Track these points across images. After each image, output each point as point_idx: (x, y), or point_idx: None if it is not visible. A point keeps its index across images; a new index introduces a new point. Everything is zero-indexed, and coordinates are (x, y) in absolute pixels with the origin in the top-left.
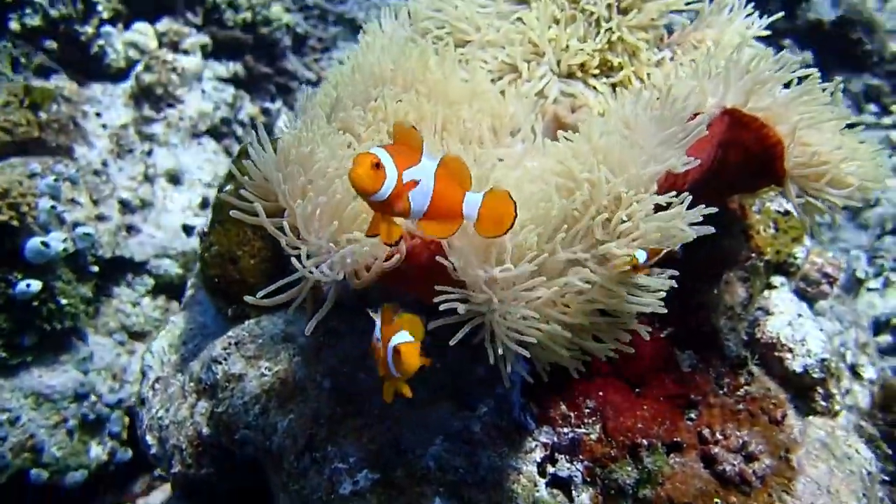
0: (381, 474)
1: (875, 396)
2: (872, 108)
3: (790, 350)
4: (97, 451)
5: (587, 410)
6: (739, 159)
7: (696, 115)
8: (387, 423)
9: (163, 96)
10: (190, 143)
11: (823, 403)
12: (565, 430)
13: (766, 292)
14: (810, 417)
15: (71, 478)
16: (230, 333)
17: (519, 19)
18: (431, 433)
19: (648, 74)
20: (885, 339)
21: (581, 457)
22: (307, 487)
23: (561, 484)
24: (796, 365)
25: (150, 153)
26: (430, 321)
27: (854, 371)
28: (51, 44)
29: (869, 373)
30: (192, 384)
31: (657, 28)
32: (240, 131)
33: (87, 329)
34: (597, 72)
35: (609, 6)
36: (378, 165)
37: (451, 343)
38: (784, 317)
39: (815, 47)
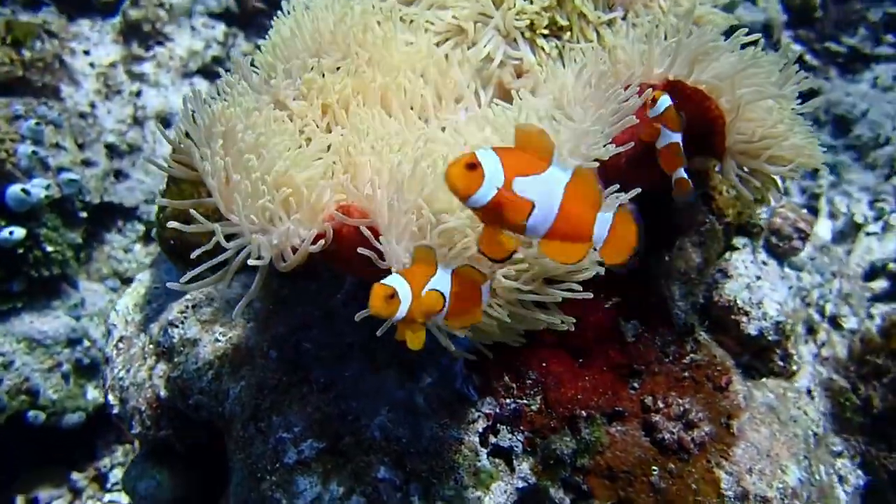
0: (327, 444)
1: (853, 348)
2: (891, 38)
3: (746, 313)
4: (94, 393)
5: (529, 381)
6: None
7: (640, 86)
8: (332, 393)
9: (151, 33)
10: (181, 83)
11: (781, 364)
12: (508, 400)
13: (727, 254)
14: (764, 379)
15: (69, 419)
16: (187, 296)
17: None
18: (377, 403)
19: (598, 33)
20: (880, 284)
21: (522, 427)
22: (252, 456)
23: (502, 454)
24: (751, 328)
25: (139, 94)
26: None
27: (835, 322)
28: None
29: (850, 323)
30: (151, 346)
31: None
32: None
33: (78, 275)
34: (546, 32)
35: None
36: (473, 167)
37: (379, 333)
38: (742, 279)
39: None
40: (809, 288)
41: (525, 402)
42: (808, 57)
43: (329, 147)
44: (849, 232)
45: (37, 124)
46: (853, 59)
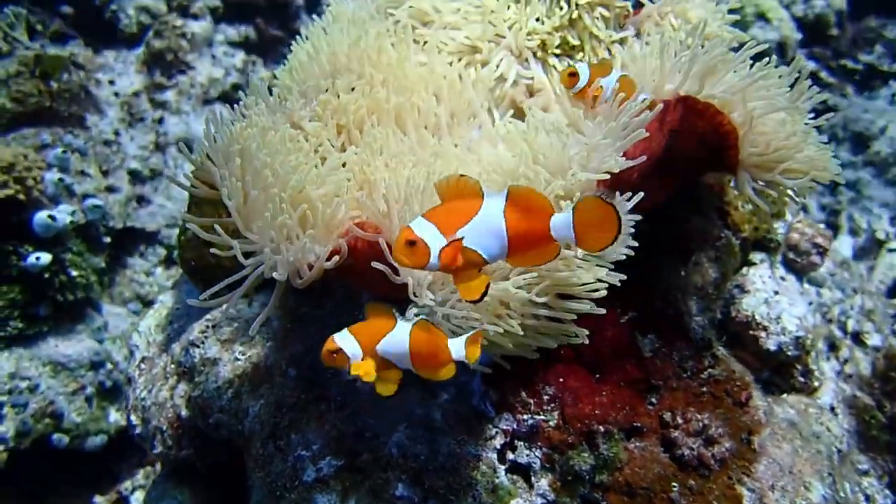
0: (345, 461)
1: (876, 365)
2: None
3: (765, 328)
4: (116, 416)
5: (546, 397)
6: (694, 146)
7: (652, 102)
8: (349, 410)
9: (173, 62)
10: (202, 109)
11: (802, 380)
12: (525, 416)
13: (744, 269)
14: (784, 395)
15: (91, 442)
16: (208, 316)
17: None
18: (395, 420)
19: (609, 52)
20: None
21: (540, 443)
22: (272, 474)
23: (520, 470)
24: (770, 343)
25: (161, 121)
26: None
27: (858, 339)
28: (67, 9)
29: (874, 340)
30: (172, 366)
31: (619, 5)
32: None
33: (101, 299)
34: (558, 52)
35: None
36: (412, 243)
37: None
38: (760, 294)
39: None
40: (830, 304)
41: (543, 417)
42: (823, 74)
43: (344, 165)
44: (870, 248)
45: (63, 152)
46: (870, 76)
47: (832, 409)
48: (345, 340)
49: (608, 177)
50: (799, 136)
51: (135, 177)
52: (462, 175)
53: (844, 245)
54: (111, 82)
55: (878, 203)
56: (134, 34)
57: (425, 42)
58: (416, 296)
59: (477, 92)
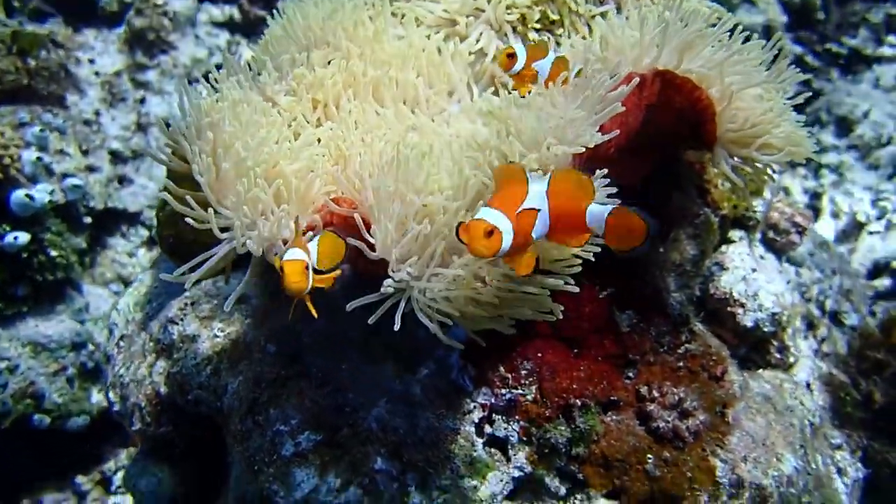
0: (324, 436)
1: (852, 344)
2: (892, 39)
3: (742, 305)
4: (98, 397)
5: (524, 372)
6: (672, 121)
7: (629, 74)
8: (330, 386)
9: (155, 42)
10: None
11: (778, 356)
12: (503, 391)
13: (723, 247)
14: (760, 370)
15: (73, 423)
16: (187, 294)
17: None
18: (374, 395)
19: (589, 27)
20: (883, 282)
21: (517, 417)
22: (250, 449)
23: (498, 443)
24: (747, 320)
25: (143, 101)
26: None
27: (836, 318)
28: None
29: (851, 320)
30: (151, 343)
31: None
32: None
33: (82, 280)
34: (538, 26)
35: None
36: (491, 232)
37: (371, 321)
38: (738, 272)
39: None
40: (809, 284)
41: (520, 392)
42: (809, 58)
43: (319, 140)
44: (851, 231)
45: (41, 131)
46: (855, 60)
47: (808, 385)
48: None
49: (583, 149)
50: (776, 111)
51: (116, 157)
52: (511, 162)
53: (826, 227)
54: (91, 61)
55: (860, 186)
56: (115, 12)
57: (403, 16)
58: (394, 271)
59: (456, 66)
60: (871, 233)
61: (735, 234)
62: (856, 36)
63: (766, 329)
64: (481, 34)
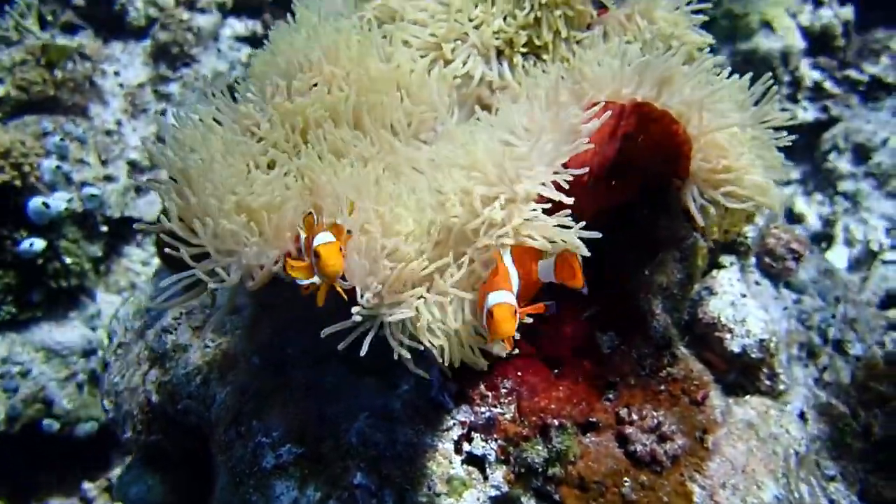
0: (305, 448)
1: (856, 374)
2: None
3: (730, 330)
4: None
5: (504, 390)
6: (649, 153)
7: (606, 104)
8: (312, 399)
9: (178, 55)
10: (206, 103)
11: (767, 383)
12: (482, 409)
13: (714, 272)
14: (748, 397)
15: (82, 429)
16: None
17: None
18: (356, 409)
19: (574, 53)
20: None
21: (496, 435)
22: (233, 460)
23: (476, 462)
24: (734, 345)
25: (163, 113)
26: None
27: (839, 347)
28: (78, 0)
29: (856, 349)
30: (145, 352)
31: (580, 8)
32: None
33: (96, 287)
34: (525, 50)
35: None
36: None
37: (340, 347)
38: (727, 297)
39: (856, 3)
40: (811, 311)
41: (500, 410)
42: (828, 84)
43: (288, 173)
44: (865, 259)
45: (61, 140)
46: (875, 87)
47: (801, 414)
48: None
49: (552, 189)
50: (748, 157)
51: (134, 167)
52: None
53: (840, 255)
54: (116, 73)
55: (877, 214)
56: (142, 27)
57: (388, 38)
58: (361, 297)
59: (440, 89)
60: (884, 262)
61: (726, 259)
62: (877, 63)
63: (753, 355)
64: (468, 57)
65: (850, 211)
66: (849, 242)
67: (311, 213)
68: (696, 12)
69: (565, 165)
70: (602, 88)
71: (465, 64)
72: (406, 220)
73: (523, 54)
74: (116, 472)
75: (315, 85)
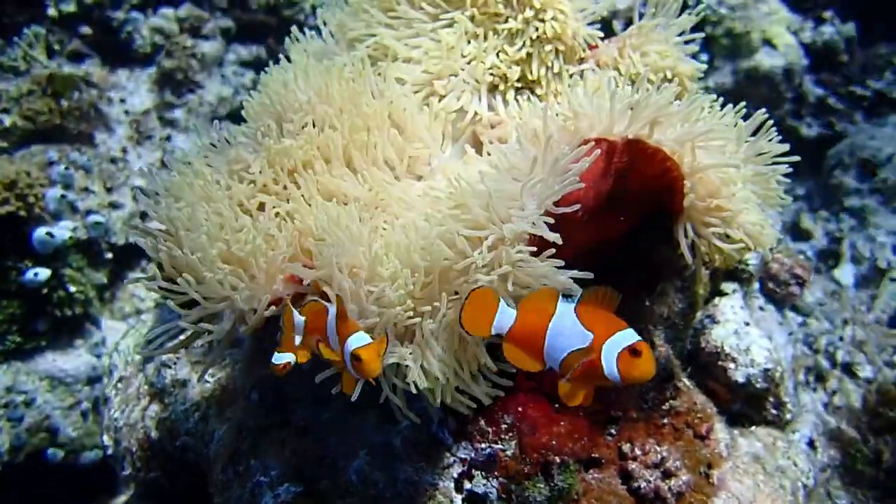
0: (304, 487)
1: (867, 399)
2: None
3: (733, 360)
4: None
5: (505, 426)
6: (642, 189)
7: (598, 140)
8: (311, 436)
9: (183, 81)
10: (210, 128)
11: (774, 412)
12: (483, 445)
13: (716, 299)
14: (753, 427)
15: (86, 457)
16: (181, 336)
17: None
18: (355, 446)
19: (570, 86)
20: None
21: (497, 473)
22: (231, 500)
23: (477, 500)
24: (739, 375)
25: (168, 139)
26: None
27: (849, 370)
28: (86, 29)
29: (865, 372)
30: (146, 387)
31: (570, 43)
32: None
33: (101, 314)
34: (518, 85)
35: (526, 20)
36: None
37: (334, 391)
38: (730, 325)
39: (858, 19)
40: (817, 334)
41: (500, 447)
42: (831, 100)
43: (278, 214)
44: (872, 277)
45: (66, 169)
46: (879, 102)
47: (810, 442)
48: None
49: (544, 228)
50: (741, 196)
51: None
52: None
53: (846, 273)
54: (122, 100)
55: (884, 231)
56: (148, 54)
57: (381, 74)
58: None
59: (434, 125)
60: (892, 280)
61: (728, 286)
62: (881, 79)
63: (758, 385)
64: (462, 93)
65: (856, 228)
66: (856, 260)
67: (316, 300)
68: (688, 41)
69: (557, 204)
70: (594, 126)
71: (458, 99)
72: (391, 261)
73: (517, 89)
74: (121, 499)
75: (306, 125)
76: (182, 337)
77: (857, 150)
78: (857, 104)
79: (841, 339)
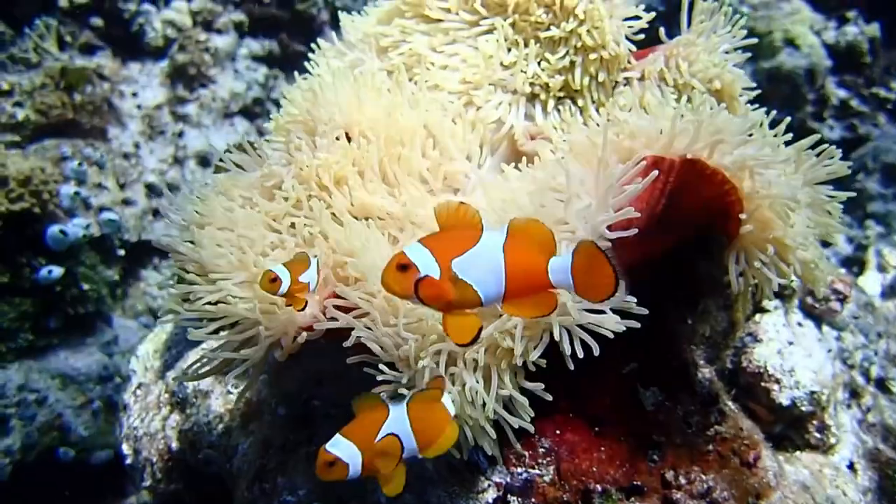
0: None
1: None
2: None
3: (777, 381)
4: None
5: (542, 450)
6: (698, 210)
7: (656, 159)
8: None
9: (196, 76)
10: (222, 123)
11: (818, 435)
12: (519, 470)
13: (757, 316)
14: (798, 453)
15: (98, 456)
16: (204, 344)
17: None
18: None
19: (611, 97)
20: None
21: (533, 499)
22: None
23: None
24: (783, 397)
25: (181, 135)
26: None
27: (882, 386)
28: (97, 21)
29: None
30: (166, 395)
31: (613, 53)
32: (274, 111)
33: (112, 312)
34: (561, 94)
35: (571, 31)
36: (404, 267)
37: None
38: (773, 344)
39: (882, 19)
40: (852, 349)
41: (537, 472)
42: (854, 102)
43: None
44: None
45: (79, 165)
46: None
47: (851, 465)
48: (339, 447)
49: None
50: (800, 227)
51: (152, 190)
52: (462, 203)
53: (872, 281)
54: (134, 94)
55: None
56: (160, 47)
57: (415, 81)
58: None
59: (473, 136)
60: None
61: (770, 303)
62: None
63: (803, 408)
64: (500, 103)
65: (882, 235)
66: (882, 268)
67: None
68: (727, 52)
69: (611, 228)
70: (650, 144)
71: (497, 109)
72: None
73: (559, 98)
74: (132, 499)
75: (339, 138)
76: (216, 362)
77: (880, 153)
78: (881, 106)
79: (875, 353)
